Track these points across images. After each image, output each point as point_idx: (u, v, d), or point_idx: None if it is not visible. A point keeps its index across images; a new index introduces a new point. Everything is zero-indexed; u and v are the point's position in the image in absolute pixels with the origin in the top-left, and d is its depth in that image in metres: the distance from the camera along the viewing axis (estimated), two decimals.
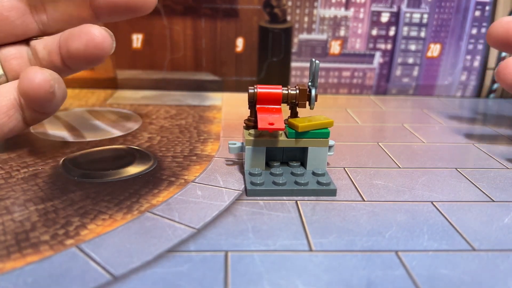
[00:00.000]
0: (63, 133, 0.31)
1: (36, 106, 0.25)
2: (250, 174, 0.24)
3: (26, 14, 0.26)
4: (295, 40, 0.44)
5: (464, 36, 0.44)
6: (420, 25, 0.44)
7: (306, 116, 0.25)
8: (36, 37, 0.27)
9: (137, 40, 0.43)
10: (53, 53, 0.26)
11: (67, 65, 0.26)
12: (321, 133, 0.24)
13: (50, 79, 0.24)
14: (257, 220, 0.20)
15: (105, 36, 0.25)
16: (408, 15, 0.43)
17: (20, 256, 0.17)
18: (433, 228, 0.20)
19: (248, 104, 0.25)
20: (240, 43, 0.43)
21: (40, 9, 0.26)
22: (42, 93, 0.24)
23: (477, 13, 0.43)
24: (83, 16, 0.27)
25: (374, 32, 0.44)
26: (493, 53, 0.45)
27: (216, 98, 0.42)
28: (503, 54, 0.45)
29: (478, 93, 0.46)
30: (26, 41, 0.27)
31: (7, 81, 0.27)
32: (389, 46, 0.44)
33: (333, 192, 0.23)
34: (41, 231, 0.19)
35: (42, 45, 0.27)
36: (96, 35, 0.25)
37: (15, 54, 0.27)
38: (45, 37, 0.27)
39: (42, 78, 0.24)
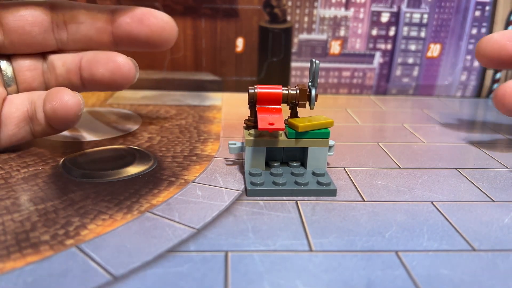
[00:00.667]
0: (63, 133, 0.31)
1: (60, 125, 0.25)
2: (250, 174, 0.24)
3: (48, 31, 0.26)
4: (295, 40, 0.44)
5: (464, 36, 0.44)
6: (420, 25, 0.44)
7: (306, 116, 0.25)
8: (52, 52, 0.27)
9: None
10: (72, 72, 0.26)
11: (85, 86, 0.27)
12: (321, 133, 0.24)
13: (81, 102, 0.24)
14: (257, 220, 0.20)
15: (131, 66, 0.25)
16: (408, 15, 0.43)
17: (20, 256, 0.17)
18: (433, 228, 0.20)
19: (248, 104, 0.25)
20: (240, 43, 0.43)
21: (62, 28, 0.27)
22: (71, 116, 0.24)
23: (477, 13, 0.43)
24: (103, 42, 0.27)
25: (374, 32, 0.44)
26: None
27: (216, 98, 0.42)
28: None
29: (478, 93, 0.46)
30: (42, 53, 0.27)
31: (18, 90, 0.27)
32: (389, 46, 0.44)
33: (333, 192, 0.23)
34: (41, 231, 0.19)
35: (61, 61, 0.27)
36: (122, 65, 0.25)
37: (30, 65, 0.27)
38: (65, 54, 0.27)
39: (74, 101, 0.24)
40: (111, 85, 0.26)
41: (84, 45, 0.27)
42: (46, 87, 0.28)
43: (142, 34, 0.26)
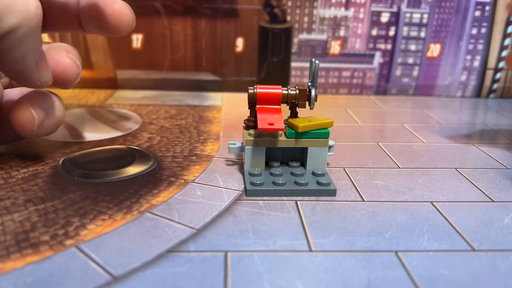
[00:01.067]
0: (63, 133, 0.31)
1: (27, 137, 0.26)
2: (250, 174, 0.24)
3: None
4: (295, 40, 0.44)
5: (464, 36, 0.44)
6: (420, 25, 0.44)
7: (306, 116, 0.25)
8: None
9: (137, 40, 0.43)
10: None
11: None
12: (321, 133, 0.24)
13: (34, 118, 0.24)
14: (257, 220, 0.20)
15: (68, 66, 0.25)
16: (408, 15, 0.43)
17: (20, 256, 0.17)
18: (433, 228, 0.20)
19: (248, 104, 0.25)
20: (240, 43, 0.43)
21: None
22: (26, 132, 0.24)
23: (477, 13, 0.43)
24: (72, 28, 0.27)
25: (374, 32, 0.44)
26: (493, 53, 0.45)
27: (216, 98, 0.42)
28: (503, 54, 0.45)
29: (478, 93, 0.46)
30: None
31: (10, 81, 0.27)
32: (389, 46, 0.44)
33: (333, 192, 0.23)
34: (41, 231, 0.19)
35: None
36: (60, 64, 0.24)
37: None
38: None
39: (25, 117, 0.24)
40: (55, 81, 0.26)
41: (58, 28, 0.27)
42: None
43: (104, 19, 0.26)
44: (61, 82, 0.25)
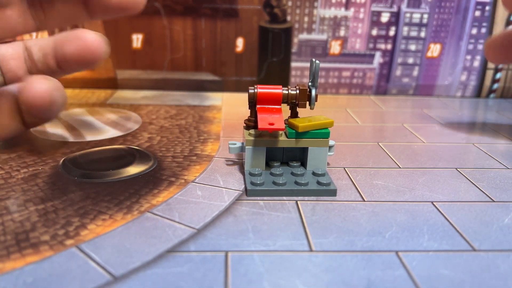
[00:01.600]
0: (63, 133, 0.31)
1: (36, 114, 0.25)
2: (250, 174, 0.24)
3: (26, 12, 0.26)
4: (295, 40, 0.44)
5: (464, 36, 0.44)
6: (420, 25, 0.44)
7: (306, 116, 0.25)
8: (31, 33, 0.27)
9: (137, 40, 0.43)
10: (48, 56, 0.26)
11: (61, 68, 0.27)
12: (321, 133, 0.24)
13: (51, 89, 0.24)
14: (257, 220, 0.20)
15: (98, 41, 0.25)
16: (408, 15, 0.43)
17: (20, 256, 0.17)
18: (433, 228, 0.20)
19: (248, 104, 0.25)
20: (240, 43, 0.43)
21: (38, 7, 0.27)
22: (42, 103, 0.24)
23: (477, 13, 0.43)
24: (78, 14, 0.27)
25: (374, 32, 0.44)
26: None
27: (216, 98, 0.42)
28: None
29: (478, 93, 0.46)
30: (22, 41, 0.27)
31: (4, 81, 0.27)
32: (389, 46, 0.44)
33: (333, 192, 0.23)
34: (41, 231, 0.19)
35: (37, 47, 0.27)
36: (89, 41, 0.25)
37: (13, 54, 0.27)
38: (40, 39, 0.27)
39: (43, 88, 0.24)
40: (82, 62, 0.26)
41: (62, 20, 0.27)
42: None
43: (113, 1, 0.27)
44: (91, 61, 0.25)
